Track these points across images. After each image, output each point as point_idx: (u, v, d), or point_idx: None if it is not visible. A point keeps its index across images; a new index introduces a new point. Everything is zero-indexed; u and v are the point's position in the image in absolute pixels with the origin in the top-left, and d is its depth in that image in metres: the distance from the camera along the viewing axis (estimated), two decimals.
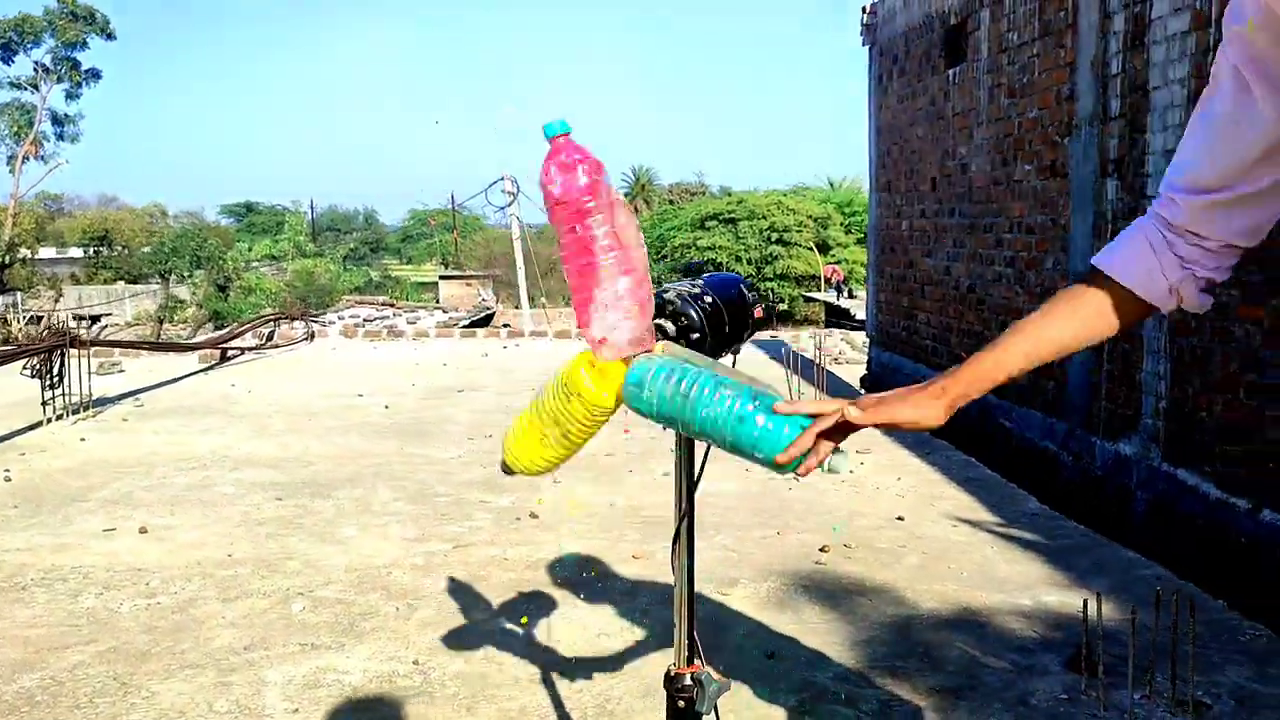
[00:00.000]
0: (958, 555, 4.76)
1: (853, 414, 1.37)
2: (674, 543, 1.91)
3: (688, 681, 1.83)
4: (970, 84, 8.62)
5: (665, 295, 1.79)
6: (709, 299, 1.85)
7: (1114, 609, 4.05)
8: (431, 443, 7.55)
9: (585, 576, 4.47)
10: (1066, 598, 4.16)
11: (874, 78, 11.06)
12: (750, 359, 12.20)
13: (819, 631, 3.86)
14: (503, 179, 28.63)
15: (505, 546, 4.92)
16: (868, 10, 10.95)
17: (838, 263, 36.33)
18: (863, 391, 8.64)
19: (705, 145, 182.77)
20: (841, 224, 39.87)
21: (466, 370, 11.95)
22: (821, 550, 4.78)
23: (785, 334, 28.01)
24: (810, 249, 36.25)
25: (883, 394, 1.41)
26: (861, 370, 11.76)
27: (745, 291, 1.91)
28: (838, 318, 32.71)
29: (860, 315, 30.85)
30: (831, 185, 55.27)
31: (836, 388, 8.62)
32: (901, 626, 3.93)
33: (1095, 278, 1.36)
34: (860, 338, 25.15)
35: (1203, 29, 5.52)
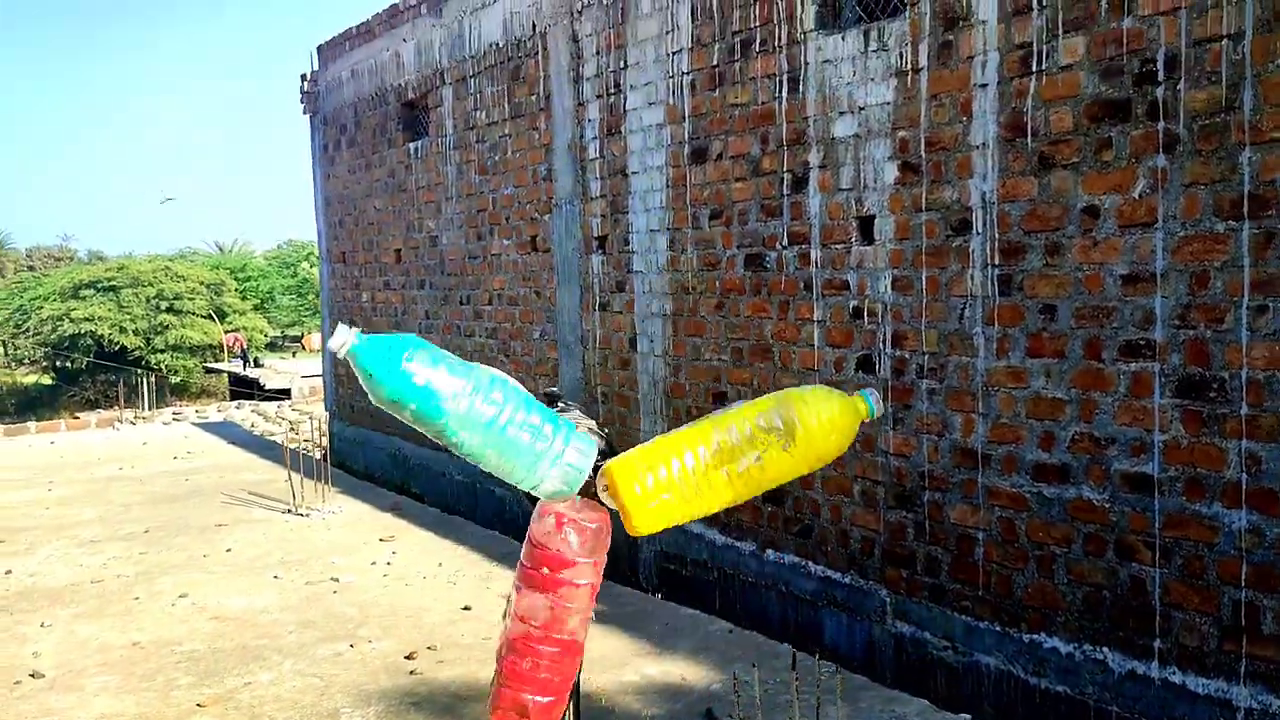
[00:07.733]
0: None
1: None
2: None
3: None
4: (435, 159, 8.73)
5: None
6: None
7: (709, 671, 4.29)
8: None
9: None
10: (663, 667, 4.32)
11: (318, 147, 10.78)
12: (208, 447, 11.14)
13: None
14: None
15: None
16: (308, 79, 10.65)
17: (237, 330, 34.77)
18: (318, 457, 8.15)
19: (68, 206, 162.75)
20: (236, 290, 38.27)
21: None
22: (408, 658, 4.48)
23: (188, 408, 26.07)
24: (208, 317, 34.25)
25: None
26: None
27: None
28: (245, 387, 31.22)
29: (271, 384, 29.73)
30: (221, 250, 52.83)
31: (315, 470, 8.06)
32: None
33: None
34: (271, 408, 24.27)
35: (677, 123, 6.13)
